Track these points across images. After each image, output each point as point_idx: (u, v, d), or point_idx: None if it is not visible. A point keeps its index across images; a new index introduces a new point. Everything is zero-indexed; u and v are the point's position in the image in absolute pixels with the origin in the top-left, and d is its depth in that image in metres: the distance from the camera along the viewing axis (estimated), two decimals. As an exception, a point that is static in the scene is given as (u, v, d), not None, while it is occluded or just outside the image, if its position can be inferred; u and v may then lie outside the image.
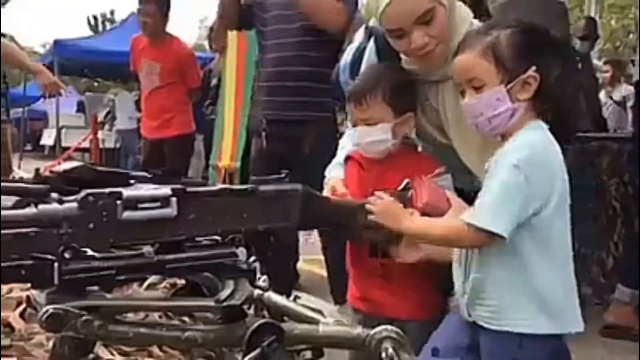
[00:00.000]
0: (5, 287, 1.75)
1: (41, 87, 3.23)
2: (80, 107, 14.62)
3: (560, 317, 1.19)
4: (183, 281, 1.13)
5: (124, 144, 10.02)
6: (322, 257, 2.64)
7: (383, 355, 0.97)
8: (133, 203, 0.95)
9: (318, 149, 2.20)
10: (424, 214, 1.26)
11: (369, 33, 1.59)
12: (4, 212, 0.91)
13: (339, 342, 1.02)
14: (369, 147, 1.45)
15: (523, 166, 1.12)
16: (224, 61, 3.79)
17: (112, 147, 10.94)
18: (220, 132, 3.74)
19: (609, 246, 3.01)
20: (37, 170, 3.25)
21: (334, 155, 1.64)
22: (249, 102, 3.20)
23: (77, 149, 10.94)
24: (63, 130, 11.98)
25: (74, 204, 0.93)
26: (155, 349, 1.47)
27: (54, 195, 1.01)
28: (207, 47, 4.76)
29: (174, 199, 0.97)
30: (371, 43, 1.59)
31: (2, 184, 2.74)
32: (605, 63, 6.02)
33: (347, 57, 2.26)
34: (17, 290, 1.77)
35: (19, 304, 1.76)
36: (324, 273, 2.69)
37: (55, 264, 0.89)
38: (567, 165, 1.19)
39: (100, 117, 12.40)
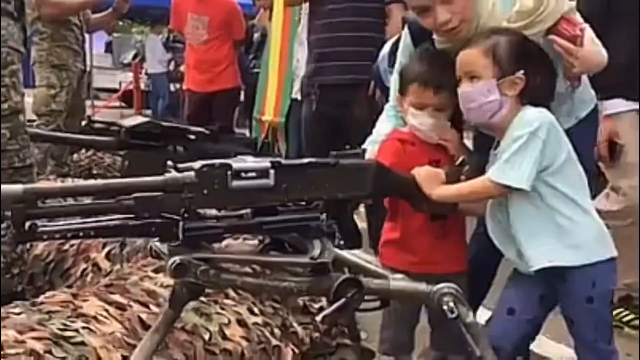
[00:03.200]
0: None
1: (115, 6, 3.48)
2: (108, 48, 14.74)
3: (588, 248, 1.39)
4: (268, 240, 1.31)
5: (154, 87, 10.19)
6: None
7: (445, 307, 1.15)
8: (240, 173, 1.13)
9: (369, 113, 2.33)
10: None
11: (403, 21, 1.73)
12: (135, 180, 1.09)
13: (407, 295, 1.21)
14: (429, 133, 1.56)
15: (540, 133, 1.36)
16: (269, 16, 3.89)
17: (143, 89, 11.12)
18: (264, 86, 3.86)
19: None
20: (89, 117, 3.44)
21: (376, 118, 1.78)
22: (292, 60, 3.33)
23: (107, 91, 11.07)
24: (94, 71, 12.16)
25: (192, 173, 1.11)
26: (231, 292, 1.68)
27: (169, 163, 1.17)
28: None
29: (272, 171, 1.15)
30: (405, 29, 1.73)
31: (74, 136, 2.94)
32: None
33: (386, 48, 2.40)
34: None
35: (104, 245, 1.99)
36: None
37: (180, 223, 1.08)
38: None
39: (128, 59, 12.52)
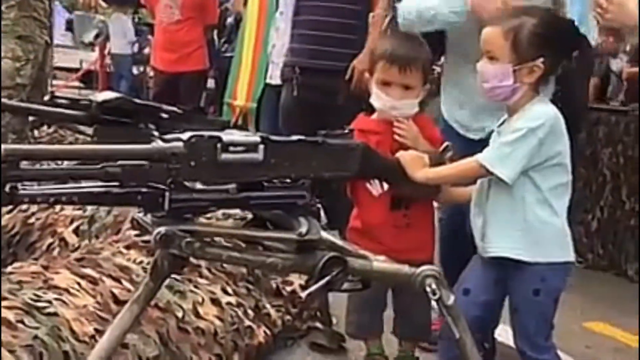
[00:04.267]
0: (58, 207, 1.92)
1: None
2: (69, 26, 14.34)
3: (546, 248, 1.41)
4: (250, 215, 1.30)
5: (118, 68, 9.95)
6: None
7: (427, 289, 1.16)
8: (229, 146, 1.11)
9: (351, 100, 2.32)
10: None
11: None
12: (122, 147, 1.06)
13: (389, 277, 1.21)
14: (401, 114, 1.57)
15: (539, 132, 1.35)
16: (243, 1, 3.85)
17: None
18: (236, 71, 3.82)
19: (595, 210, 3.24)
20: (52, 92, 3.33)
21: (362, 107, 1.78)
22: (267, 45, 3.29)
23: (67, 70, 10.78)
24: (53, 49, 11.77)
25: (180, 144, 1.08)
26: (204, 271, 1.67)
27: (155, 133, 1.15)
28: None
29: (261, 146, 1.13)
30: None
31: (43, 107, 2.83)
32: (603, 32, 6.11)
33: None
34: (68, 210, 1.94)
35: (72, 221, 1.94)
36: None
37: (166, 193, 1.06)
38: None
39: (89, 39, 12.19)
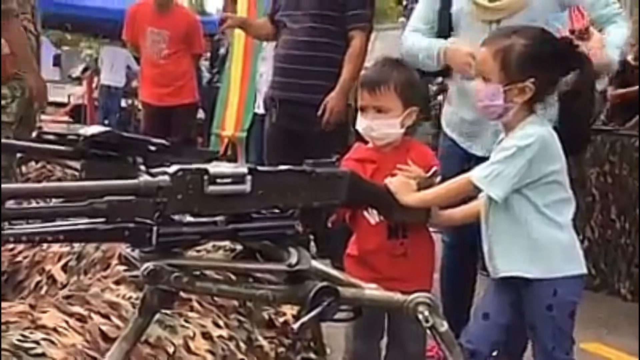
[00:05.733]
0: (46, 244, 1.89)
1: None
2: (56, 61, 14.40)
3: (554, 263, 1.42)
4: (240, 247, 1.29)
5: (106, 100, 9.95)
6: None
7: (420, 317, 1.15)
8: (216, 179, 1.10)
9: (326, 132, 2.34)
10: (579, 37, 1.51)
11: None
12: (109, 182, 1.05)
13: (381, 305, 1.20)
14: (379, 136, 1.59)
15: (527, 151, 1.36)
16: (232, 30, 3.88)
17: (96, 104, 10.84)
18: (224, 101, 3.84)
19: (585, 230, 3.25)
20: (40, 128, 3.33)
21: (343, 135, 1.82)
22: (256, 72, 3.32)
23: (55, 105, 10.80)
24: (41, 85, 11.77)
25: (167, 177, 1.08)
26: (195, 304, 1.64)
27: (142, 167, 1.15)
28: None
29: (249, 177, 1.13)
30: None
31: (30, 144, 2.83)
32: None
33: None
34: (56, 247, 1.92)
35: (60, 257, 1.91)
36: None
37: (154, 228, 1.05)
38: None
39: (77, 73, 12.24)
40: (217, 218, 1.16)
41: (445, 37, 1.87)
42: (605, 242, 3.16)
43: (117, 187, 1.04)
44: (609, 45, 1.66)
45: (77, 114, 10.35)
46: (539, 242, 1.41)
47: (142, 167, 1.16)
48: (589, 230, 3.22)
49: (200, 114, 4.91)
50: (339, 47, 2.58)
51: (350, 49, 2.54)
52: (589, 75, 1.41)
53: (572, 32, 1.60)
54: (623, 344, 2.41)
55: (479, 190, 1.40)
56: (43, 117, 9.33)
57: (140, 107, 5.31)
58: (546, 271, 1.41)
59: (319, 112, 2.47)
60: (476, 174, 1.39)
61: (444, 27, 1.86)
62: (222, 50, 4.41)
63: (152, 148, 2.53)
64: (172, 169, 1.09)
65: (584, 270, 1.47)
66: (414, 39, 1.91)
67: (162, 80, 3.99)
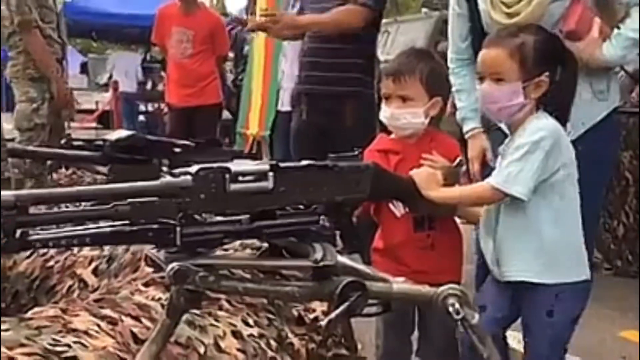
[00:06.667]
0: (76, 248, 1.91)
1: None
2: (84, 69, 14.64)
3: (562, 268, 1.39)
4: (266, 245, 1.28)
5: (125, 106, 10.07)
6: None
7: (450, 309, 1.13)
8: (238, 177, 1.09)
9: (358, 122, 2.32)
10: (567, 37, 1.51)
11: None
12: (131, 184, 1.05)
13: (410, 298, 1.18)
14: (403, 125, 1.57)
15: (543, 144, 1.34)
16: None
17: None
18: (247, 99, 3.84)
19: (620, 215, 3.17)
20: (69, 135, 3.39)
21: (373, 127, 1.78)
22: (277, 71, 3.31)
23: (83, 112, 10.97)
24: (69, 92, 11.98)
25: (189, 177, 1.08)
26: (224, 303, 1.64)
27: (165, 168, 1.15)
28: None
29: (271, 174, 1.12)
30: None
31: (58, 150, 2.86)
32: None
33: None
34: (87, 251, 1.94)
35: (91, 261, 1.93)
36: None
37: (177, 228, 1.05)
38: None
39: (103, 80, 12.43)
40: (241, 216, 1.16)
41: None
42: (641, 227, 3.08)
43: (139, 189, 1.05)
44: (617, 37, 1.60)
45: (105, 120, 10.51)
46: (549, 245, 1.38)
47: (165, 168, 1.15)
48: (623, 215, 3.14)
49: (226, 114, 4.93)
50: (369, 37, 2.55)
51: (345, 6, 2.47)
52: (572, 70, 1.42)
53: (560, 31, 1.56)
54: (663, 331, 2.34)
55: (505, 194, 1.36)
56: (72, 124, 9.52)
57: (165, 110, 5.36)
58: (555, 276, 1.38)
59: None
60: (495, 179, 1.37)
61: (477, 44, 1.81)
62: (246, 49, 4.41)
63: (177, 149, 2.57)
64: (194, 168, 1.09)
65: (588, 276, 1.44)
66: (459, 80, 1.86)
67: (186, 80, 4.00)
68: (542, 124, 1.37)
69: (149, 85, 10.04)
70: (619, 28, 1.61)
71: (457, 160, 1.46)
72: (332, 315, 1.07)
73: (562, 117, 1.42)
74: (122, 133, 2.48)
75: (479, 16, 1.73)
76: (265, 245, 1.25)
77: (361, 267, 1.24)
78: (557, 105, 1.42)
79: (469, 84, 1.81)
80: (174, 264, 1.03)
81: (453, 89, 1.85)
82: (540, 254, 1.38)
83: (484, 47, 1.44)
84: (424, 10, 8.62)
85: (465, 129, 1.79)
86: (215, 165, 1.09)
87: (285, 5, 2.96)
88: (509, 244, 1.40)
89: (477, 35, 1.77)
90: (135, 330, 1.40)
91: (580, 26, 1.55)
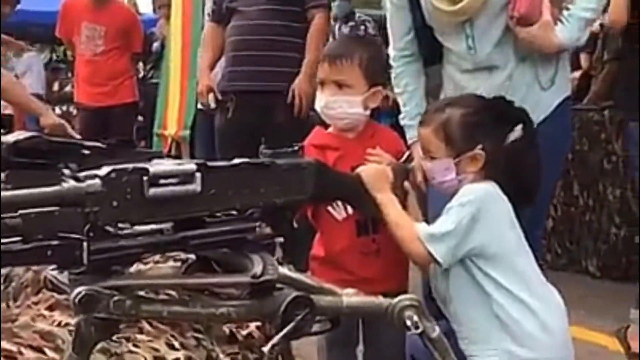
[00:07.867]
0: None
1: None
2: (-24, 69, 13.73)
3: (528, 344, 1.30)
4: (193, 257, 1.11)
5: (27, 110, 9.46)
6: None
7: (408, 323, 1.00)
8: (159, 179, 0.92)
9: (289, 119, 2.19)
10: (518, 23, 1.50)
11: None
12: (25, 192, 0.86)
13: (363, 312, 1.04)
14: (338, 115, 1.44)
15: (469, 207, 1.28)
16: (168, 25, 3.66)
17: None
18: (164, 99, 3.62)
19: (548, 209, 3.20)
20: (-35, 138, 3.01)
21: (304, 125, 1.65)
22: (196, 69, 3.11)
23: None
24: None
25: (98, 181, 0.89)
26: (146, 325, 1.45)
27: (67, 171, 0.96)
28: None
29: (198, 175, 0.95)
30: None
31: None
32: None
33: None
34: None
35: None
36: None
37: (84, 243, 0.85)
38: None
39: (7, 81, 11.66)
40: (163, 226, 0.98)
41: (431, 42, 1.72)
42: (570, 220, 3.11)
43: (34, 197, 0.85)
44: (569, 18, 1.55)
45: (8, 124, 9.84)
46: (510, 326, 1.29)
47: (67, 172, 0.95)
48: (552, 208, 3.16)
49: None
50: (299, 29, 2.40)
51: (311, 28, 2.37)
52: (531, 127, 1.35)
53: (511, 17, 1.49)
54: (599, 325, 2.34)
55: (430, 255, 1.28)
56: (-29, 129, 8.86)
57: (75, 112, 5.00)
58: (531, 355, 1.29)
59: (288, 101, 2.30)
60: (425, 233, 1.29)
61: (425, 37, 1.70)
62: (155, 45, 4.18)
63: (86, 152, 2.32)
64: (104, 170, 0.90)
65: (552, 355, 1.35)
66: (403, 81, 1.73)
67: (98, 79, 3.74)
68: (472, 189, 1.30)
69: (55, 87, 9.48)
70: (568, 9, 1.54)
71: (405, 156, 1.34)
72: (276, 339, 0.92)
73: (522, 185, 1.35)
74: (21, 134, 2.21)
75: (420, 6, 1.62)
76: (193, 257, 1.07)
77: (306, 279, 1.09)
78: (512, 174, 1.33)
79: (413, 87, 1.70)
80: (81, 289, 0.84)
81: (396, 90, 1.73)
82: (502, 337, 1.30)
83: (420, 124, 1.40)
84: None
85: (408, 135, 1.67)
86: (130, 166, 0.90)
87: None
88: (467, 321, 1.32)
89: (419, 28, 1.66)
90: (37, 364, 1.19)
91: (531, 10, 1.48)
